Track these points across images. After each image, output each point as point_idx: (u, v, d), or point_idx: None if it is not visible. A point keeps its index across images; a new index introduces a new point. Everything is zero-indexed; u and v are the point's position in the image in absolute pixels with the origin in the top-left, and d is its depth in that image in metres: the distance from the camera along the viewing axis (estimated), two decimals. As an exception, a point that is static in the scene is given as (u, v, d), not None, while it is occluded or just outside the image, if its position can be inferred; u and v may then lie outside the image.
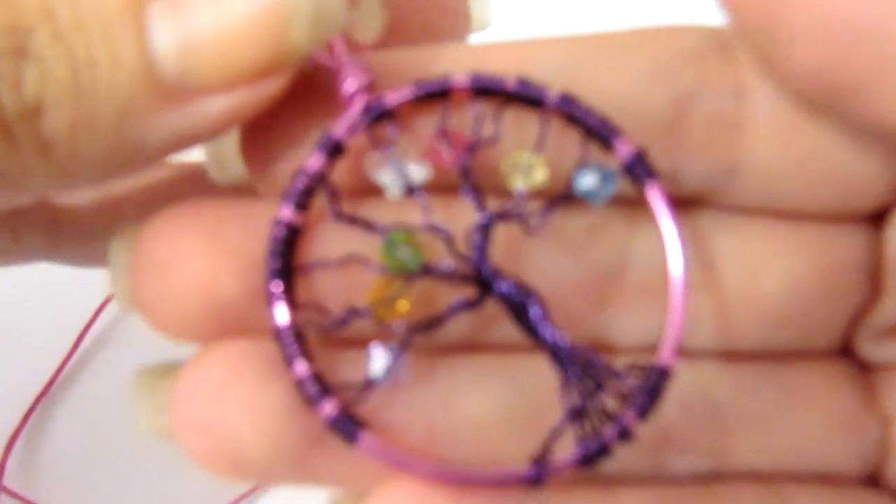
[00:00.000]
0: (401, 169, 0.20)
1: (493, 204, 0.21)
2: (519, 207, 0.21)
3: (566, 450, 0.20)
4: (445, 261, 0.21)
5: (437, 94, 0.21)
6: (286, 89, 0.20)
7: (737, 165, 0.22)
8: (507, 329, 0.21)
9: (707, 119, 0.21)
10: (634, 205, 0.22)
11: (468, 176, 0.21)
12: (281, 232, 0.20)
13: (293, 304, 0.20)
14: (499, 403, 0.21)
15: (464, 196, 0.21)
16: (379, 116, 0.21)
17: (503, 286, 0.20)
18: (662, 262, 0.21)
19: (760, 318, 0.22)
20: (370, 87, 0.21)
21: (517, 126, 0.21)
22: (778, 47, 0.20)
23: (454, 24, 0.26)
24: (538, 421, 0.20)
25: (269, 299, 0.20)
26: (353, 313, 0.20)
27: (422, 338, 0.20)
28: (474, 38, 0.26)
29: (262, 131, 0.21)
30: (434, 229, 0.21)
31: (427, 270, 0.20)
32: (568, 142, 0.21)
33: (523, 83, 0.21)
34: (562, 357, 0.20)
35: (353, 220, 0.20)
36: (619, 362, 0.21)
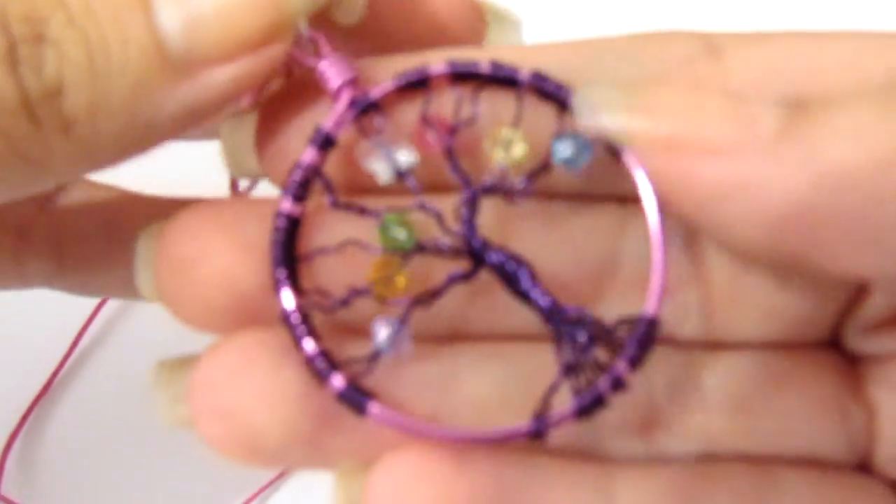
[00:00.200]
0: (390, 155, 0.22)
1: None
2: (502, 181, 0.22)
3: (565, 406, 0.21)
4: (438, 238, 0.22)
5: (417, 84, 0.22)
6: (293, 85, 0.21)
7: None
8: (508, 318, 0.22)
9: None
10: (626, 200, 0.22)
11: (453, 156, 0.22)
12: (282, 223, 0.21)
13: (298, 290, 0.21)
14: (499, 385, 0.22)
15: (450, 179, 0.22)
16: (365, 109, 0.22)
17: (494, 256, 0.22)
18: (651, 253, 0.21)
19: (748, 310, 0.23)
20: (355, 82, 0.22)
21: (494, 106, 0.22)
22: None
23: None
24: (537, 402, 0.21)
25: (276, 286, 0.21)
26: (355, 293, 0.21)
27: (422, 310, 0.21)
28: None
29: (276, 127, 0.22)
30: (424, 208, 0.22)
31: (422, 248, 0.22)
32: (543, 117, 0.22)
33: (496, 65, 0.22)
34: (554, 317, 0.21)
35: (349, 207, 0.21)
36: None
